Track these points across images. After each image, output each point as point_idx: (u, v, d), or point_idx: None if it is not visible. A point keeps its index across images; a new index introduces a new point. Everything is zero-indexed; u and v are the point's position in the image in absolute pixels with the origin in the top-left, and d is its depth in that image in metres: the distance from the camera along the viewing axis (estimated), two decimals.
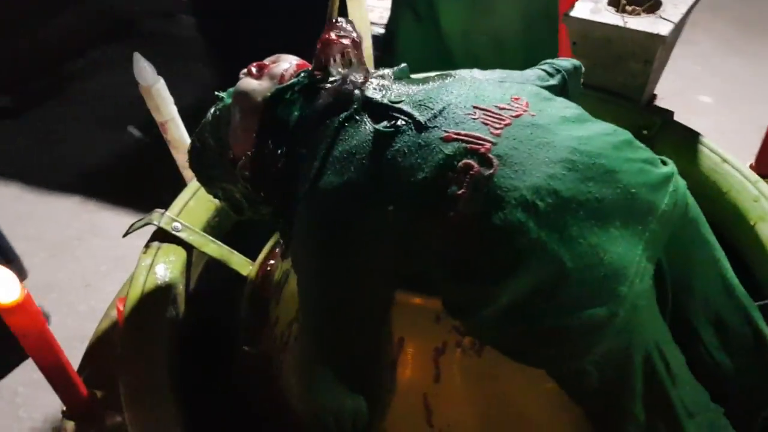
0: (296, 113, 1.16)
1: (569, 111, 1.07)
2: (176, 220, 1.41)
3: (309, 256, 1.06)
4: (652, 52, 1.50)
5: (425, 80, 1.15)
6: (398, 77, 1.18)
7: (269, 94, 1.18)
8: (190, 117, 1.75)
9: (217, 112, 1.26)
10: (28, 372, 2.43)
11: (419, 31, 2.09)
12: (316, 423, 1.04)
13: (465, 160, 0.96)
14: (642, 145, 1.07)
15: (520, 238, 0.91)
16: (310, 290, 1.07)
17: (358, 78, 1.15)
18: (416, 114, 1.03)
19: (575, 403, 1.01)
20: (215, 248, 1.44)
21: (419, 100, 1.06)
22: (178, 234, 1.39)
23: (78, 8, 4.06)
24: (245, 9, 2.29)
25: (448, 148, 0.98)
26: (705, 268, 1.07)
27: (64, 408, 1.27)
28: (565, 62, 1.35)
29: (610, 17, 1.52)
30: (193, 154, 1.32)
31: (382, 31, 2.42)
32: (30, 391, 2.41)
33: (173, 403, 1.18)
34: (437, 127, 1.01)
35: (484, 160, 0.96)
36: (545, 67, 1.33)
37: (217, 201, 1.48)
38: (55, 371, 1.17)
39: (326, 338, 1.05)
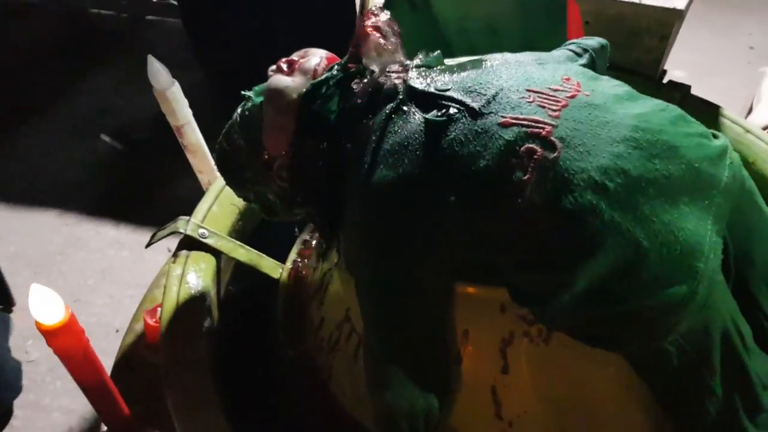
0: (335, 108, 1.13)
1: (620, 89, 1.06)
2: (202, 227, 1.36)
3: (367, 255, 1.03)
4: (668, 26, 1.50)
5: (462, 66, 1.12)
6: (434, 64, 1.16)
7: (304, 90, 1.14)
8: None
9: (246, 112, 1.22)
10: (24, 393, 2.35)
11: (414, 19, 2.05)
12: (387, 425, 1.01)
13: (527, 145, 0.94)
14: (693, 119, 1.07)
15: (593, 220, 0.90)
16: (370, 289, 1.04)
17: (398, 68, 1.12)
18: (468, 101, 1.01)
19: (650, 384, 1.00)
20: (244, 253, 1.40)
21: (468, 87, 1.04)
22: (205, 241, 1.35)
23: (38, 15, 3.93)
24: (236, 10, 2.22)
25: (508, 134, 0.95)
26: (763, 239, 1.07)
27: (105, 429, 1.22)
28: (592, 41, 1.34)
29: None
30: (222, 157, 1.27)
31: None
32: (27, 413, 2.33)
33: (222, 413, 1.14)
34: (493, 113, 0.98)
35: (547, 144, 0.94)
36: (572, 47, 1.32)
37: (239, 204, 1.44)
38: (98, 391, 1.12)
39: (391, 336, 1.03)
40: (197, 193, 1.49)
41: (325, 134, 1.12)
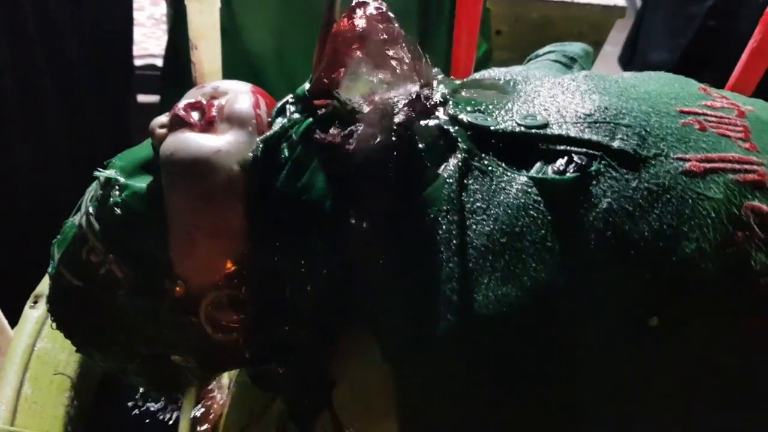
0: (322, 185, 0.61)
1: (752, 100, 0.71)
2: None
3: None
4: (605, 29, 1.19)
5: (508, 86, 0.68)
6: (457, 88, 0.69)
7: (251, 154, 0.61)
8: None
9: (117, 210, 0.63)
10: None
11: (223, 48, 1.54)
12: None
13: (748, 203, 0.53)
14: None
15: None
16: None
17: (420, 98, 0.63)
18: (604, 139, 0.57)
19: None
20: None
21: (582, 114, 0.59)
22: None
23: None
24: None
25: (711, 189, 0.53)
26: None
27: None
28: (574, 48, 0.98)
29: None
30: (65, 303, 0.67)
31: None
32: None
33: None
34: (660, 155, 0.55)
35: None
36: (554, 56, 0.95)
37: (68, 369, 0.82)
38: None
39: None
40: None
41: (316, 234, 0.60)
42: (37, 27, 1.54)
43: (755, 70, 1.14)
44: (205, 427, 0.84)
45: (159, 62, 2.29)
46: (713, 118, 0.60)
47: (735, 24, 1.27)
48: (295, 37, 1.58)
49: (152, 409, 0.90)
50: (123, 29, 1.81)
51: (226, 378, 0.89)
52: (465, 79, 0.74)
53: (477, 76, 0.76)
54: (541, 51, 0.98)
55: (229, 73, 1.50)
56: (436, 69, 0.70)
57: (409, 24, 1.70)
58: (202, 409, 0.87)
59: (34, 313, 0.85)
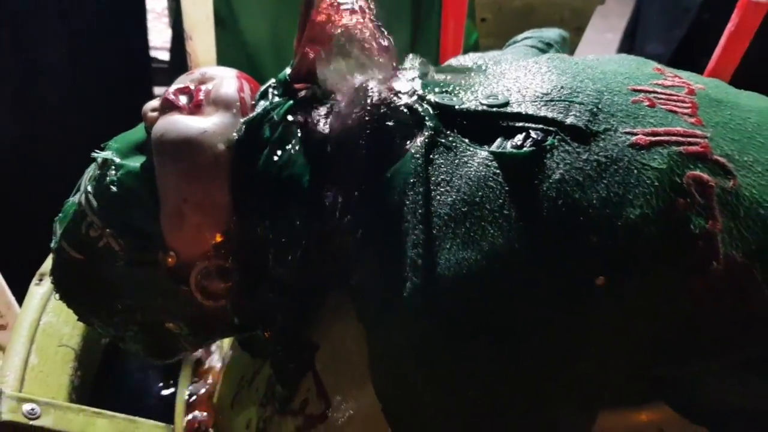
0: (302, 161, 0.66)
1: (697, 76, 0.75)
2: (26, 399, 0.77)
3: (467, 398, 0.58)
4: (586, 16, 1.23)
5: (477, 71, 0.73)
6: (427, 71, 0.74)
7: (236, 135, 0.66)
8: None
9: (112, 188, 0.68)
10: None
11: (219, 39, 1.59)
12: None
13: (690, 173, 0.58)
14: None
15: None
16: None
17: (391, 80, 0.68)
18: (558, 116, 0.61)
19: None
20: (107, 425, 0.82)
21: (540, 94, 0.64)
22: (38, 422, 0.76)
23: None
24: None
25: (655, 160, 0.58)
26: None
27: None
28: (551, 33, 1.03)
29: None
30: (67, 274, 0.72)
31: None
32: None
33: None
34: (610, 129, 0.60)
35: (714, 166, 0.59)
36: (531, 42, 0.99)
37: (71, 342, 0.88)
38: None
39: None
40: None
41: (296, 208, 0.65)
42: (94, 22, 1.58)
43: (733, 54, 1.18)
44: (202, 391, 0.89)
45: (160, 55, 2.34)
46: (663, 96, 0.64)
47: (729, 17, 1.31)
48: (291, 26, 1.61)
49: (151, 379, 0.96)
50: (141, 21, 1.84)
51: (219, 351, 0.94)
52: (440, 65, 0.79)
53: (452, 61, 0.81)
54: (519, 37, 1.02)
55: (225, 62, 1.54)
56: (412, 54, 0.75)
57: (401, 14, 1.74)
58: (198, 379, 0.92)
59: (40, 289, 0.91)
